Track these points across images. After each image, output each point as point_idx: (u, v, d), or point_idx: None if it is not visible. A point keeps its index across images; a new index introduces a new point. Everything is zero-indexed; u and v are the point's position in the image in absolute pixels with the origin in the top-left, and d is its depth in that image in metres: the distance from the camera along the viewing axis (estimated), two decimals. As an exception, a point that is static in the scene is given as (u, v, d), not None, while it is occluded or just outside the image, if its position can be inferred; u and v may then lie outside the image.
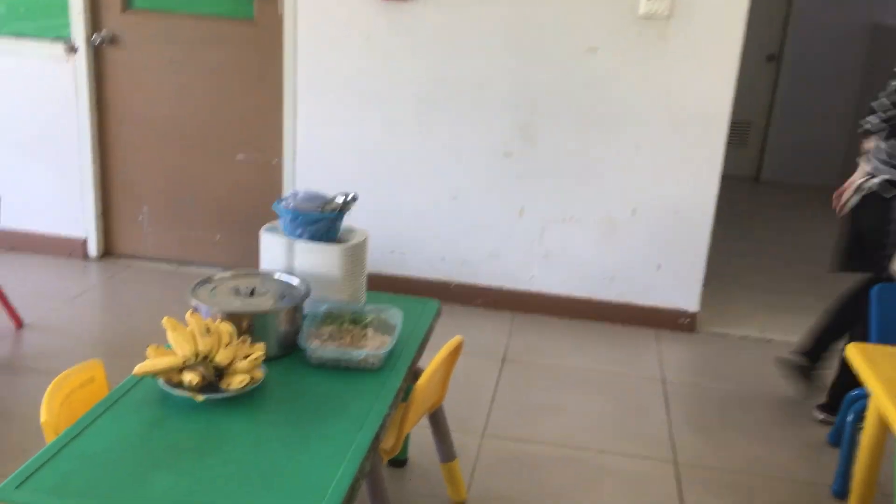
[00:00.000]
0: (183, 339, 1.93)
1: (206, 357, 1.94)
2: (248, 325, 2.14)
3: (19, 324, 3.83)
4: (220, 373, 1.97)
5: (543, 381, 3.71)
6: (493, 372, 3.74)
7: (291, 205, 2.42)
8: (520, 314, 4.40)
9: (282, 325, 2.20)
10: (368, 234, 2.57)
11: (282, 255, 2.48)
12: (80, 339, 3.80)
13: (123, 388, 1.97)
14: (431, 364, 2.22)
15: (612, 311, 4.36)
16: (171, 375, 1.94)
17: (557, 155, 4.19)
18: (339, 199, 2.50)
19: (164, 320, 1.95)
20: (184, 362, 1.92)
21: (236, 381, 1.93)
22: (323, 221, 2.45)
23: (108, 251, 4.87)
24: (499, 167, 4.26)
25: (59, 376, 1.96)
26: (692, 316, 4.30)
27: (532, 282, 4.40)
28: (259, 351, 1.98)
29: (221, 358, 1.94)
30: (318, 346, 2.21)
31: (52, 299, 4.18)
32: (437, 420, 2.59)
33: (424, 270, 4.41)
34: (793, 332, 4.06)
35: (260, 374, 1.99)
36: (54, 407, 1.85)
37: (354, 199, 2.51)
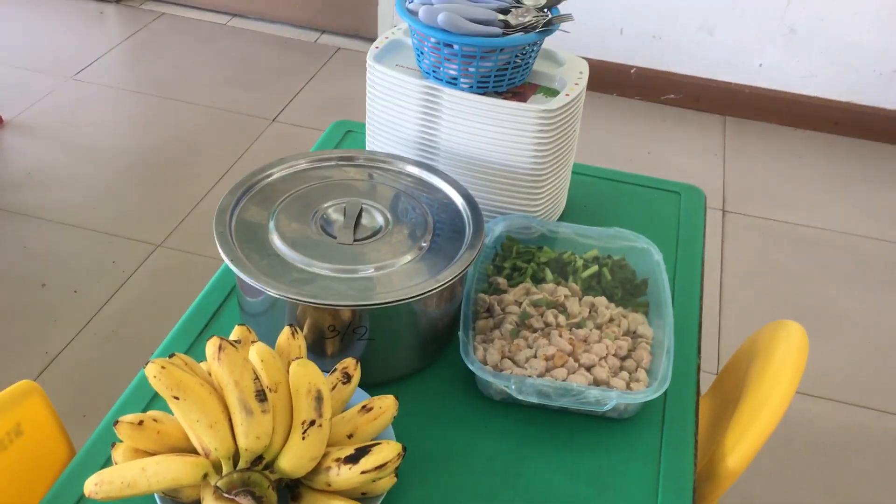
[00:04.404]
0: (203, 416, 0.81)
1: (258, 458, 0.84)
2: (353, 325, 1.00)
3: (-4, 121, 2.76)
4: (294, 486, 0.88)
5: (791, 253, 2.52)
6: (709, 235, 2.55)
7: (439, 15, 1.14)
8: (736, 121, 3.10)
9: (430, 313, 1.05)
10: (587, 70, 1.30)
11: (411, 117, 1.26)
12: (81, 151, 2.72)
13: (68, 497, 0.90)
14: (764, 417, 1.05)
15: (893, 126, 3.01)
16: (183, 491, 0.85)
17: None
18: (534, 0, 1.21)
19: (150, 369, 0.81)
20: (205, 474, 0.82)
21: (333, 519, 0.83)
22: (502, 55, 1.18)
23: (129, -9, 3.63)
24: None
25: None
26: None
27: (761, 73, 3.03)
28: (387, 448, 0.85)
29: (293, 461, 0.83)
30: (502, 373, 1.07)
31: (49, 74, 3.05)
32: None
33: (592, 47, 3.06)
34: None
35: (386, 485, 0.88)
36: None
37: (570, -8, 1.21)
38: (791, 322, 1.14)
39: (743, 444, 1.02)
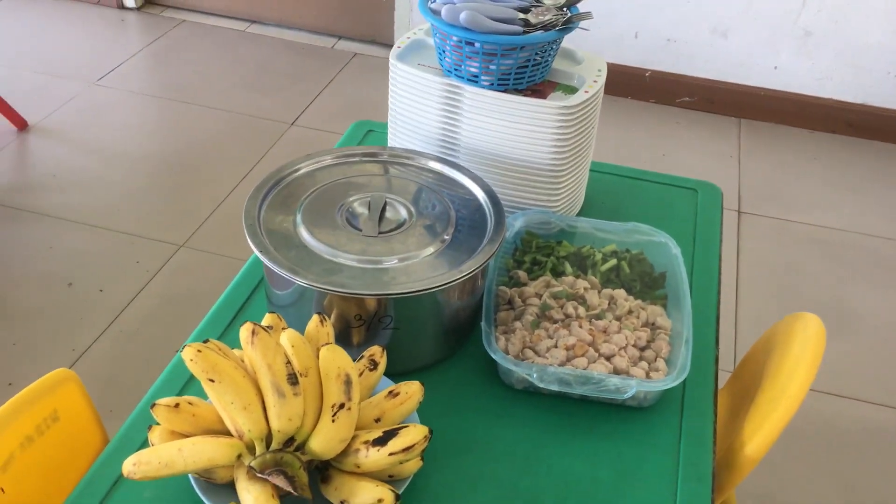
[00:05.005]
0: (237, 398, 0.84)
1: (290, 440, 0.86)
2: (379, 314, 1.02)
3: (21, 125, 2.81)
4: (324, 467, 0.90)
5: (806, 253, 2.53)
6: (725, 236, 2.56)
7: (461, 14, 1.17)
8: (751, 124, 3.11)
9: (453, 304, 1.08)
10: (605, 68, 1.33)
11: (433, 114, 1.28)
12: (104, 154, 2.76)
13: (106, 478, 0.93)
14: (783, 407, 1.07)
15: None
16: (217, 471, 0.88)
17: None
18: (558, -5, 1.23)
19: (187, 353, 0.84)
20: (239, 455, 0.85)
21: (364, 501, 0.85)
22: (522, 53, 1.21)
23: (149, -2, 3.68)
24: None
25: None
26: None
27: (776, 75, 3.04)
28: (414, 431, 0.87)
29: (323, 442, 0.86)
30: (524, 362, 1.09)
31: (71, 79, 3.10)
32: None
33: (607, 51, 3.09)
34: None
35: (412, 468, 0.91)
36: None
37: (588, -8, 1.24)
38: (808, 314, 1.16)
39: (762, 432, 1.03)
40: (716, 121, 3.11)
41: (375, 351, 0.97)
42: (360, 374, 0.95)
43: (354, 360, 0.96)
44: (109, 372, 1.96)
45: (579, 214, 1.40)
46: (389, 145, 1.38)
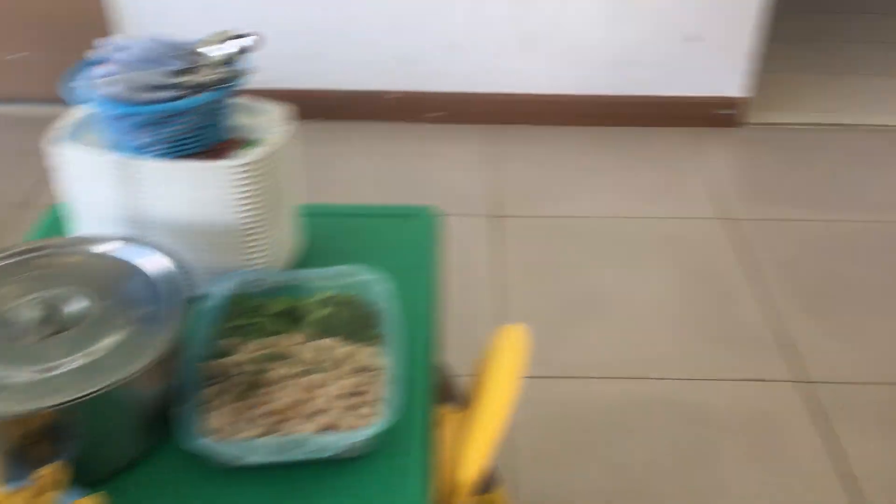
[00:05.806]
0: None
1: None
2: (55, 426, 0.94)
3: None
4: None
5: (564, 245, 2.64)
6: (481, 243, 2.63)
7: (118, 86, 1.11)
8: (494, 128, 3.22)
9: (142, 394, 1.01)
10: (291, 117, 1.30)
11: (109, 193, 1.21)
12: None
13: None
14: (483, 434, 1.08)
15: (627, 110, 3.23)
16: None
17: None
18: (216, 54, 1.20)
19: None
20: None
21: None
22: (189, 116, 1.17)
23: None
24: None
25: None
26: (737, 104, 3.24)
27: (512, 79, 3.18)
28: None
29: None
30: (227, 440, 1.04)
31: None
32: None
33: (343, 79, 3.10)
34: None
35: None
36: None
37: (249, 47, 1.21)
38: (511, 326, 1.19)
39: (473, 451, 1.04)
40: (464, 131, 3.20)
41: (45, 472, 0.89)
42: (35, 499, 0.87)
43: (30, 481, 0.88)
44: None
45: (300, 265, 1.37)
46: (78, 229, 1.29)
